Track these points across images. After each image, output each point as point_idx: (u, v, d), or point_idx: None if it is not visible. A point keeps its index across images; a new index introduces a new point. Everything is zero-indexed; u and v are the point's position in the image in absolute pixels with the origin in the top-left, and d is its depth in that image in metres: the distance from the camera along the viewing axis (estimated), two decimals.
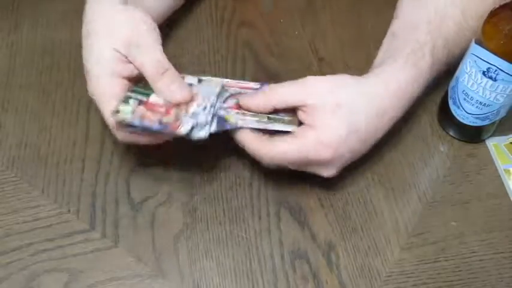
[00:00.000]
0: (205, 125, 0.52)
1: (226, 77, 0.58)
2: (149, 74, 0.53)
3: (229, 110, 0.54)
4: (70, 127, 0.62)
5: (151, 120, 0.51)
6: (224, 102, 0.55)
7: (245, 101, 0.54)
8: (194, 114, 0.52)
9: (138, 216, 0.56)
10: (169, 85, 0.52)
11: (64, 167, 0.59)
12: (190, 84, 0.55)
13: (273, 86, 0.55)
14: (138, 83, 0.54)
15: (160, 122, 0.51)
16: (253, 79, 0.66)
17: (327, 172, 0.54)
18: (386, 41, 0.61)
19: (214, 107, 0.53)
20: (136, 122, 0.51)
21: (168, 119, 0.52)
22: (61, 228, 0.55)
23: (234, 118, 0.54)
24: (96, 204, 0.56)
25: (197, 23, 0.71)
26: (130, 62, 0.53)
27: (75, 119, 0.62)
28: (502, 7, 0.53)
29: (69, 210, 0.56)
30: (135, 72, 0.53)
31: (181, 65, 0.60)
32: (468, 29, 0.59)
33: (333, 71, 0.67)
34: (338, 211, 0.57)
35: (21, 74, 0.66)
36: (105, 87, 0.53)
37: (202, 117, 0.52)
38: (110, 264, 0.53)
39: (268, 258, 0.53)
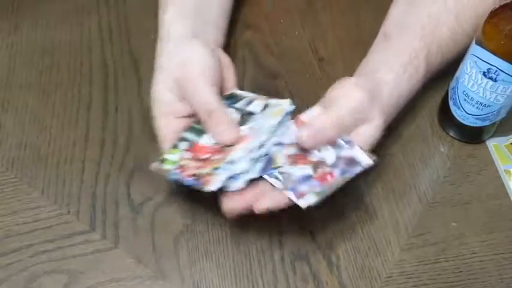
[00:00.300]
0: (240, 174, 0.50)
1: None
2: (199, 115, 0.53)
3: (285, 145, 0.51)
4: (70, 127, 0.62)
5: (187, 174, 0.50)
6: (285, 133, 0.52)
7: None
8: (232, 163, 0.50)
9: (138, 218, 0.56)
10: (215, 127, 0.52)
11: (64, 167, 0.59)
12: (251, 114, 0.54)
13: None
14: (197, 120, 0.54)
15: (194, 176, 0.50)
16: (253, 79, 0.66)
17: (376, 122, 0.53)
18: (377, 42, 0.61)
19: (263, 146, 0.51)
20: (175, 177, 0.51)
21: (202, 171, 0.50)
22: (61, 230, 0.55)
23: (282, 159, 0.50)
24: (96, 206, 0.56)
25: None
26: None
27: (75, 119, 0.62)
28: (502, 7, 0.53)
29: (69, 212, 0.56)
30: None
31: None
32: (461, 33, 0.59)
33: (333, 71, 0.67)
34: (338, 212, 0.56)
35: (21, 74, 0.66)
36: (159, 129, 0.54)
37: (242, 164, 0.50)
38: (110, 265, 0.53)
39: (268, 260, 0.53)
